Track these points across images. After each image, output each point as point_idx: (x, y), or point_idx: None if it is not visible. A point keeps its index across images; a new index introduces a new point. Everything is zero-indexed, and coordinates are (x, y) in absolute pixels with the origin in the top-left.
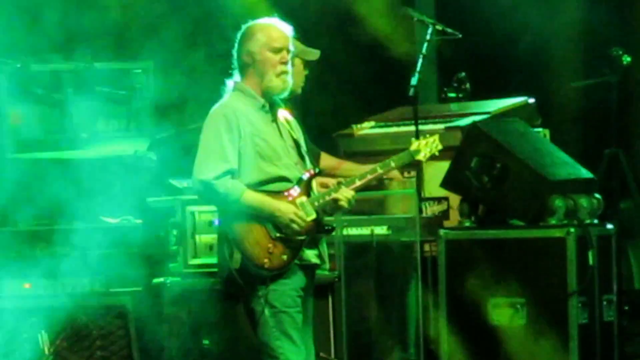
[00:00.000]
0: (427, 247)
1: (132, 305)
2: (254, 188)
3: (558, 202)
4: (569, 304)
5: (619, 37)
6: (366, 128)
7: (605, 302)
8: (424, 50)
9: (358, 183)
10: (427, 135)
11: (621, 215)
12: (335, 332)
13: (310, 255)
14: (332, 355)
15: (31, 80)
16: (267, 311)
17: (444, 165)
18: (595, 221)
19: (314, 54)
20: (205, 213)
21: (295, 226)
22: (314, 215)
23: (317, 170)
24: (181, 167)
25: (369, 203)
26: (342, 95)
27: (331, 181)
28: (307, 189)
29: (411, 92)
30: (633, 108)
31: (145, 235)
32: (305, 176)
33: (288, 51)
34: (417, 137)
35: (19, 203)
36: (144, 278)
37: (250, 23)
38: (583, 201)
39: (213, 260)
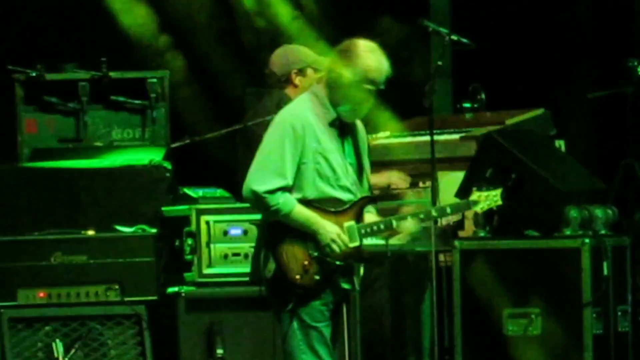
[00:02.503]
0: (441, 257)
1: (146, 314)
2: (305, 204)
3: (573, 213)
4: (584, 314)
5: (635, 47)
6: (381, 138)
7: (620, 313)
8: (439, 61)
9: (409, 219)
10: (491, 188)
11: (636, 226)
12: (350, 342)
13: (342, 281)
14: None
15: (46, 89)
16: (295, 324)
17: (458, 175)
18: (610, 232)
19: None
20: (220, 222)
21: (335, 247)
22: (357, 243)
23: (372, 196)
24: (196, 177)
25: (384, 213)
26: None
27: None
28: (358, 214)
29: (426, 102)
30: None
31: (160, 245)
32: (360, 200)
33: (379, 89)
34: (432, 147)
35: (34, 212)
36: (159, 287)
37: (357, 43)
38: (598, 212)
39: (228, 269)
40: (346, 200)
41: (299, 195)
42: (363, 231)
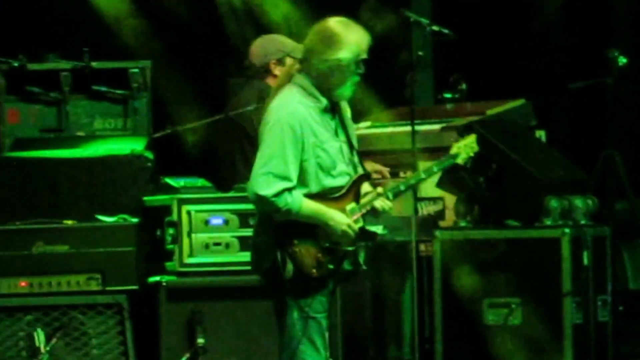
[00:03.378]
0: (422, 247)
1: (128, 303)
2: (309, 198)
3: (553, 203)
4: (564, 304)
5: (615, 38)
6: (362, 128)
7: (600, 303)
8: (420, 51)
9: (402, 188)
10: (465, 136)
11: (616, 216)
12: (331, 331)
13: (346, 263)
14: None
15: (28, 79)
16: (295, 314)
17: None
18: (590, 222)
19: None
20: (201, 212)
21: (350, 236)
22: (361, 223)
23: (367, 172)
24: (177, 167)
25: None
26: None
27: (376, 167)
28: (356, 194)
29: (407, 92)
30: (628, 109)
31: (142, 234)
32: (355, 180)
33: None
34: (414, 137)
35: (15, 201)
36: (140, 277)
37: (335, 24)
38: (578, 202)
39: (209, 259)
40: (345, 185)
41: (303, 191)
42: (364, 210)
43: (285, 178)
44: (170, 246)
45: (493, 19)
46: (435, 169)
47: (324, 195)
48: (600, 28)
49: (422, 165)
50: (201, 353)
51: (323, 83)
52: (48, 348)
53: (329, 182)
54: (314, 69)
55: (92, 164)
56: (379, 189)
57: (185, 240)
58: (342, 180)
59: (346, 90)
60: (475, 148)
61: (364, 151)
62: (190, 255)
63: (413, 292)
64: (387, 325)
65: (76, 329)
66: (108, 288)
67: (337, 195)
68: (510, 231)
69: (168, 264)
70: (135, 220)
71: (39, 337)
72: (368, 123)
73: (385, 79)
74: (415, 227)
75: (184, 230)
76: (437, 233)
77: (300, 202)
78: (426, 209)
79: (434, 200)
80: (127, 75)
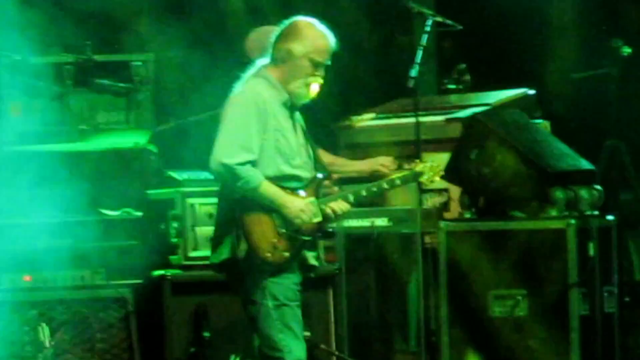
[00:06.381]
0: (427, 239)
1: (132, 297)
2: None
3: (558, 194)
4: (570, 295)
5: (620, 28)
6: (366, 120)
7: (606, 294)
8: (423, 42)
9: (364, 193)
10: (432, 161)
11: (621, 206)
12: (336, 324)
13: (310, 256)
14: (333, 347)
15: (31, 73)
16: (270, 303)
17: (444, 157)
18: (596, 212)
19: None
20: (205, 205)
21: (300, 221)
22: (319, 218)
23: (327, 173)
24: (181, 160)
25: None
26: (342, 87)
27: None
28: (316, 191)
29: (411, 83)
30: (633, 99)
31: (146, 228)
32: (316, 177)
33: (326, 65)
34: (418, 130)
35: (17, 195)
36: (144, 270)
37: (300, 20)
38: (583, 192)
39: None
40: (303, 178)
41: (262, 174)
42: (323, 206)
43: (249, 150)
44: (174, 239)
45: (496, 8)
46: (398, 182)
47: (282, 185)
48: (606, 18)
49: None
50: (206, 346)
51: (280, 75)
52: (53, 342)
53: (286, 169)
54: (272, 59)
55: (95, 158)
56: (344, 189)
57: (190, 234)
58: (300, 172)
59: (300, 89)
60: (440, 174)
61: (368, 143)
62: (195, 248)
63: (418, 284)
64: (393, 317)
65: (81, 323)
66: (112, 282)
67: (297, 187)
68: (516, 222)
69: (172, 258)
70: (139, 213)
71: (44, 331)
72: (372, 115)
73: (388, 70)
74: (420, 219)
75: (188, 224)
76: (442, 225)
77: (261, 180)
78: (431, 201)
79: (438, 192)
80: (130, 69)
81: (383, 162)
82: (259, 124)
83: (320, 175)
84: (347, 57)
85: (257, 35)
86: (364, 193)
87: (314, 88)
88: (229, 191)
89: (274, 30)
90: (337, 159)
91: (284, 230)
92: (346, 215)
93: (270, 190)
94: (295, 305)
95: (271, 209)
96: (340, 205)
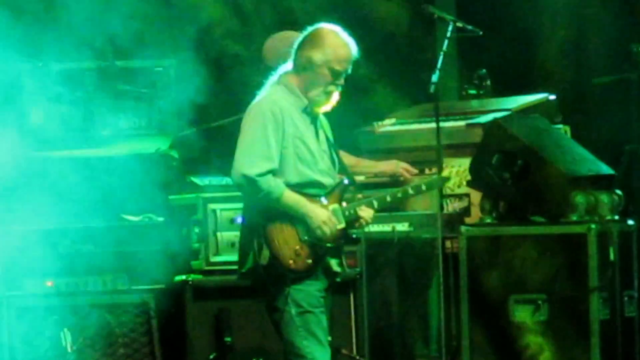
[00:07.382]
0: (448, 244)
1: (154, 302)
2: (290, 189)
3: (579, 199)
4: (590, 300)
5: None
6: (387, 125)
7: (626, 298)
8: (444, 48)
9: (389, 199)
10: (460, 166)
11: None
12: (357, 328)
13: (333, 263)
14: (354, 352)
15: (52, 79)
16: (293, 310)
17: (465, 162)
18: (616, 217)
19: None
20: (227, 211)
21: (326, 229)
22: (343, 225)
23: (351, 180)
24: (203, 165)
25: None
26: (363, 92)
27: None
28: (339, 197)
29: (432, 89)
30: None
31: (167, 233)
32: (341, 183)
33: (347, 74)
34: (439, 135)
35: (40, 201)
36: (166, 276)
37: (323, 27)
38: (604, 197)
39: (235, 257)
40: (326, 184)
41: (282, 180)
42: (347, 213)
43: (269, 158)
44: (196, 245)
45: (517, 14)
46: (423, 187)
47: (304, 192)
48: (627, 23)
49: (448, 162)
50: (228, 351)
51: (300, 83)
52: (75, 348)
53: (310, 174)
54: (294, 66)
55: (117, 163)
56: (369, 196)
57: (211, 239)
58: (323, 178)
59: (320, 97)
60: (467, 178)
61: (389, 148)
62: (216, 253)
63: (439, 289)
64: (414, 322)
65: (103, 329)
66: (134, 287)
67: (319, 193)
68: (536, 227)
69: (194, 263)
70: (161, 219)
71: (66, 337)
72: (393, 120)
73: (410, 76)
74: (441, 224)
75: (209, 229)
76: (463, 229)
77: (283, 189)
78: (452, 206)
79: (459, 197)
80: (151, 74)
81: (405, 167)
82: (276, 132)
83: (346, 181)
84: (368, 63)
85: (273, 42)
86: (388, 199)
87: (334, 96)
88: (253, 201)
89: (291, 37)
90: (360, 161)
91: (306, 238)
92: (371, 221)
93: (293, 199)
94: (319, 312)
95: (294, 217)
96: (364, 212)
